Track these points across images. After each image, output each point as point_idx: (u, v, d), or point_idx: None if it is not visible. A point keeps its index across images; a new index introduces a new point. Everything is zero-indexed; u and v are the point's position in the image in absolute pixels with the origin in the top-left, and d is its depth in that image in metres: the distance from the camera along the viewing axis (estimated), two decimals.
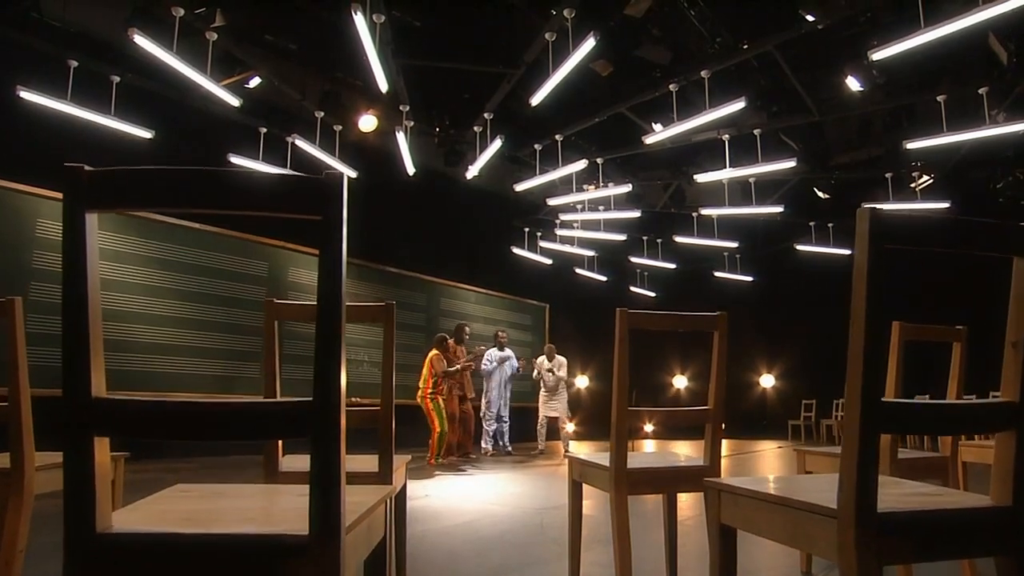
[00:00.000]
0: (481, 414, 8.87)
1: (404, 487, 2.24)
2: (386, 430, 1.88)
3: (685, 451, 8.80)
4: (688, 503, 4.20)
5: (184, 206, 0.89)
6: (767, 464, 8.07)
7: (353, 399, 7.88)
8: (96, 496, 0.90)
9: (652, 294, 14.13)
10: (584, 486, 2.34)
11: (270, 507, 1.17)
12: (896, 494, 1.29)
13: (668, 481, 2.13)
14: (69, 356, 0.89)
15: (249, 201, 0.91)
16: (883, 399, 1.06)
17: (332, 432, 0.88)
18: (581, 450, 10.08)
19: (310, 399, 0.91)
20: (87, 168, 0.88)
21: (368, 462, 2.03)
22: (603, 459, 2.21)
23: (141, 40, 5.64)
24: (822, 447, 2.61)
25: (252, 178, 0.88)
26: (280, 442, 1.97)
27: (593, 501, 4.14)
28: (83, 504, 0.89)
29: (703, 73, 7.03)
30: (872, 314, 1.03)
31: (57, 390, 0.88)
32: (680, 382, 15.29)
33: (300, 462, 2.03)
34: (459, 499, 4.87)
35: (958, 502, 1.18)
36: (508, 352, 9.09)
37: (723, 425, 2.17)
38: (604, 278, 12.84)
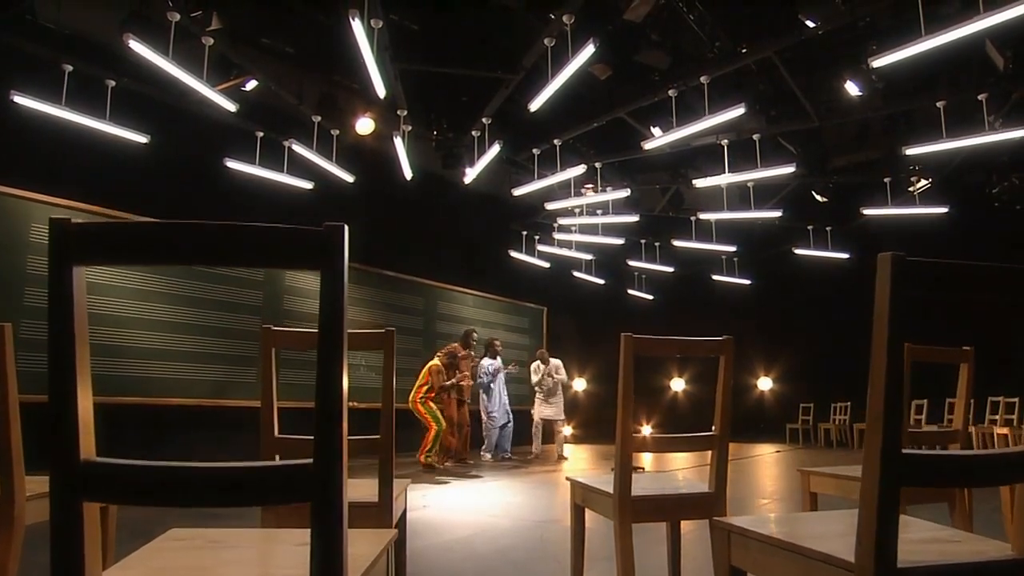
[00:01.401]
0: (484, 422, 8.81)
1: (404, 513, 2.19)
2: (386, 461, 1.83)
3: (683, 462, 8.76)
4: None
5: (178, 262, 0.85)
6: (767, 471, 8.04)
7: (351, 403, 7.82)
8: (85, 562, 0.85)
9: (650, 297, 14.10)
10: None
11: (268, 562, 1.13)
12: (911, 541, 1.26)
13: (673, 509, 2.09)
14: (57, 417, 0.85)
15: (246, 256, 0.87)
16: (904, 451, 1.03)
17: (333, 503, 0.84)
18: (578, 454, 10.05)
19: (309, 461, 0.87)
20: (74, 221, 0.84)
21: (367, 488, 1.97)
22: (605, 484, 2.17)
23: (136, 45, 5.59)
24: (826, 467, 2.58)
25: (249, 232, 0.84)
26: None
27: (594, 513, 4.10)
28: (71, 572, 0.85)
29: (702, 79, 6.99)
30: (893, 366, 0.99)
31: None
32: (678, 385, 15.26)
33: None
34: (458, 510, 4.83)
35: (978, 552, 1.15)
36: (499, 362, 9.00)
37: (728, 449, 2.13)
38: (602, 281, 12.80)
